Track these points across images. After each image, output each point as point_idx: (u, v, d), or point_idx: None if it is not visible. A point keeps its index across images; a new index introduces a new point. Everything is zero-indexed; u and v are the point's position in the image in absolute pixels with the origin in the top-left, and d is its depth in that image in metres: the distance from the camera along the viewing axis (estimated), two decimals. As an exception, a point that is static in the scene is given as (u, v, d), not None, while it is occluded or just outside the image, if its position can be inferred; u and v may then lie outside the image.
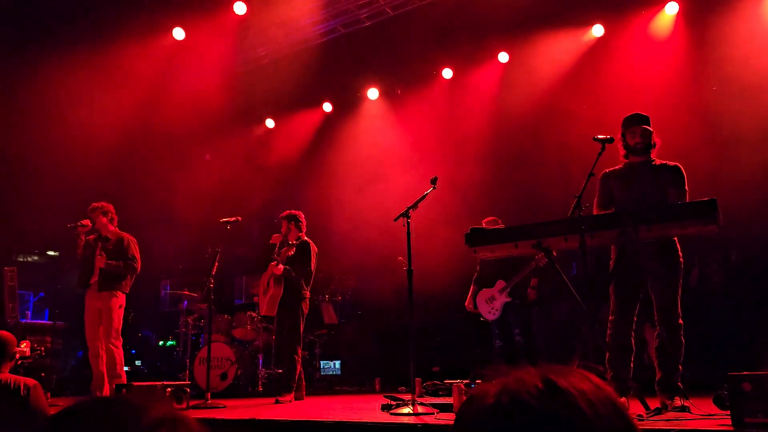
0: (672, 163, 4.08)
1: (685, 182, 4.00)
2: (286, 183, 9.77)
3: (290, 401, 5.65)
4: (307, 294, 5.99)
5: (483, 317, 6.67)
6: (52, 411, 2.21)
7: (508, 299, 6.47)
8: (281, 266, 5.78)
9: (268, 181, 9.62)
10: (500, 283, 6.53)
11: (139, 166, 9.02)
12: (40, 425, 0.72)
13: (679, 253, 3.94)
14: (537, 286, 6.55)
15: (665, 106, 7.22)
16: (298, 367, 5.84)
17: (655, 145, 4.09)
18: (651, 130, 4.09)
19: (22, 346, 6.20)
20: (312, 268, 5.97)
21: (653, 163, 4.10)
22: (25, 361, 6.28)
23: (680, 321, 3.84)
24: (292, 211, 6.23)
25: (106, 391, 5.70)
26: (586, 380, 0.70)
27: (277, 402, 5.54)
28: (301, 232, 6.13)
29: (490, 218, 6.44)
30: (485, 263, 6.72)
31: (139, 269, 6.08)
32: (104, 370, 5.75)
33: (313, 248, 6.06)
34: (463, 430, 0.71)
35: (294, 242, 6.00)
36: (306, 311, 5.99)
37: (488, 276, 6.64)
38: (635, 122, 4.10)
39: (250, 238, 10.34)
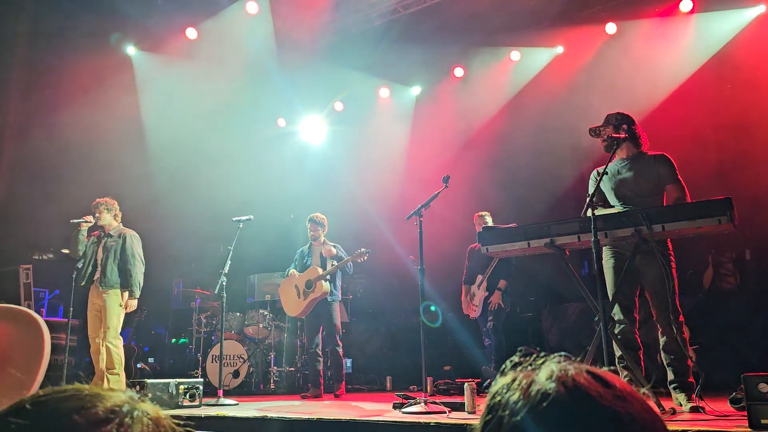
0: (657, 153, 4.01)
1: (677, 173, 3.93)
2: (296, 181, 9.79)
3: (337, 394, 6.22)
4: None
5: (471, 316, 6.69)
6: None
7: (486, 293, 6.42)
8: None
9: (281, 180, 9.64)
10: (479, 278, 6.51)
11: (154, 166, 9.07)
12: None
13: (669, 247, 3.88)
14: (505, 289, 6.40)
15: (679, 102, 7.16)
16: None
17: (640, 136, 4.02)
18: (611, 133, 3.95)
19: None
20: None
21: (639, 155, 4.03)
22: None
23: (681, 318, 3.76)
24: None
25: None
26: (624, 382, 0.69)
27: (336, 396, 6.20)
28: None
29: (480, 212, 6.60)
30: (470, 260, 6.73)
31: (143, 266, 5.97)
32: (104, 368, 5.66)
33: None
34: (517, 420, 0.66)
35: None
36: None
37: (471, 273, 6.64)
38: (603, 123, 4.06)
39: (262, 237, 10.35)
